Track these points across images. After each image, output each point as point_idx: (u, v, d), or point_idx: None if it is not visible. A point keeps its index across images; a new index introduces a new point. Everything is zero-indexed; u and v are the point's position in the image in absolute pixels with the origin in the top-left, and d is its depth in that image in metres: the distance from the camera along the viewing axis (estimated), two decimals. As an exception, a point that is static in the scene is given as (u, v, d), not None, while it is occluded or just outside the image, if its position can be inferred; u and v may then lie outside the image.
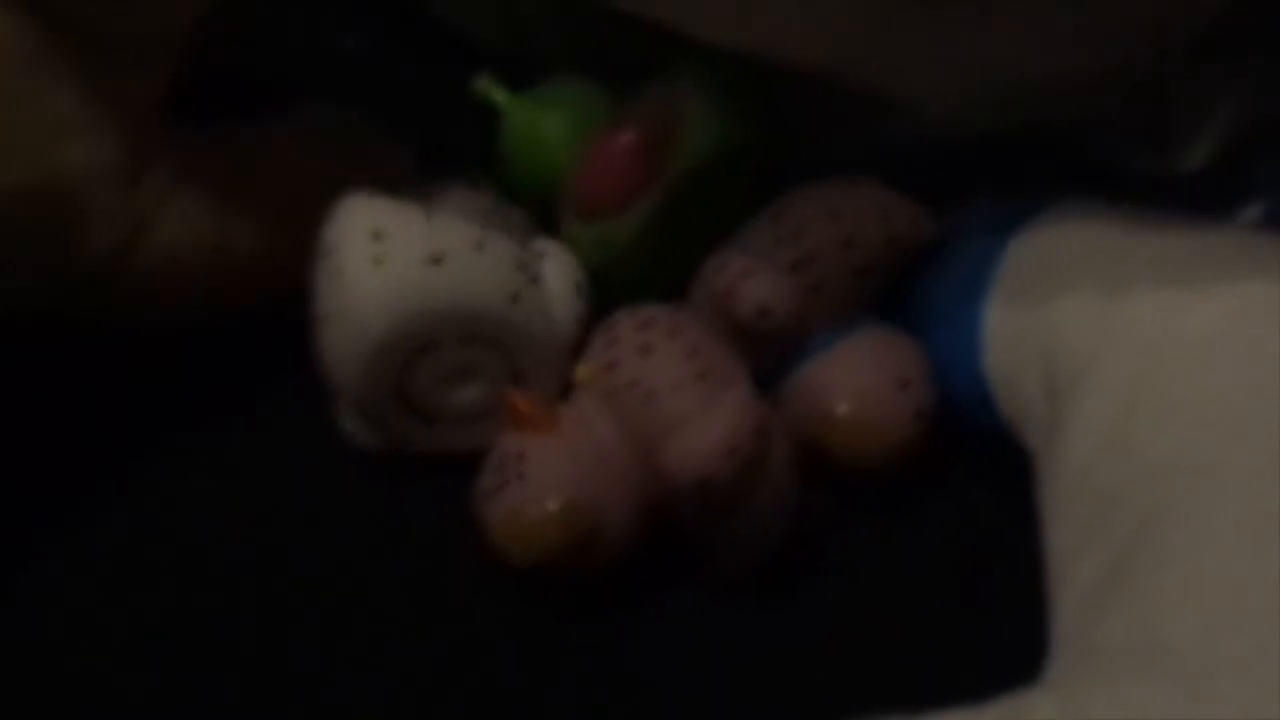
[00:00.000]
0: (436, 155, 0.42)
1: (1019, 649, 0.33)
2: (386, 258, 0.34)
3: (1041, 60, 0.38)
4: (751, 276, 0.36)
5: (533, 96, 0.42)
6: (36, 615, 0.36)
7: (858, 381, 0.37)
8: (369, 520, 0.37)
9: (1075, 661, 0.31)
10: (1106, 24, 0.38)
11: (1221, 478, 0.30)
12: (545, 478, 0.34)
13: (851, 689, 0.35)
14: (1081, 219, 0.37)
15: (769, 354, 0.37)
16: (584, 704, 0.35)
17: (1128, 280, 0.34)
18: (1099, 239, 0.36)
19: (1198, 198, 0.42)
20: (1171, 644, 0.28)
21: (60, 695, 0.35)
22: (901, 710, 0.31)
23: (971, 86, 0.39)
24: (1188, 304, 0.33)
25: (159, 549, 0.37)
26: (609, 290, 0.39)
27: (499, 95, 0.42)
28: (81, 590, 0.37)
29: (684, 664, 0.35)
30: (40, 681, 0.36)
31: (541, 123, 0.41)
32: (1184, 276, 0.34)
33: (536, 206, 0.41)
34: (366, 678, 0.35)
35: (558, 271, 0.37)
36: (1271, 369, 0.31)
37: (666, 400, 0.34)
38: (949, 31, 0.37)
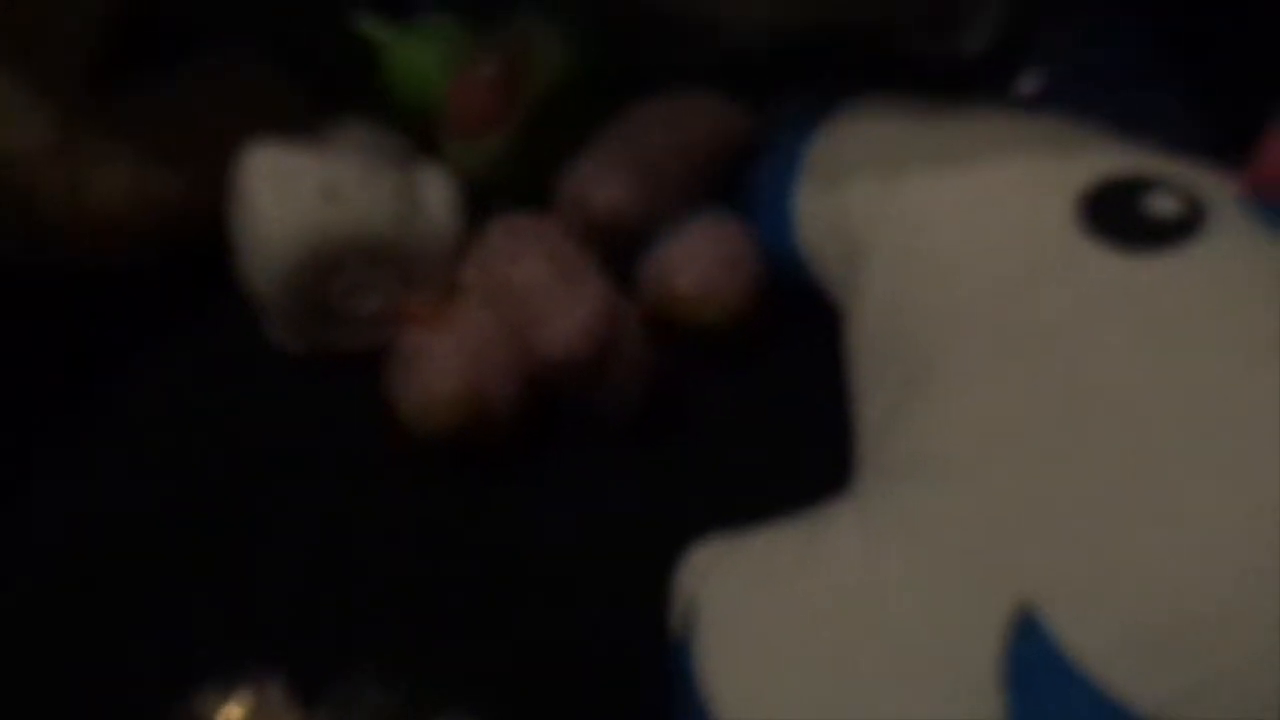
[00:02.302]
0: (325, 88, 0.47)
1: (840, 467, 0.40)
2: (289, 196, 0.40)
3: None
4: (600, 181, 0.43)
5: (409, 33, 0.47)
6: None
7: (696, 261, 0.44)
8: (298, 409, 0.44)
9: (870, 475, 0.38)
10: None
11: (973, 325, 0.37)
12: (441, 367, 0.41)
13: (710, 513, 0.41)
14: (871, 111, 0.44)
15: (623, 246, 0.44)
16: (485, 548, 0.42)
17: (902, 163, 0.41)
18: (882, 128, 0.43)
19: (984, 74, 0.49)
20: (932, 453, 0.36)
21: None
22: (751, 526, 0.39)
23: (787, 3, 0.45)
24: (947, 182, 0.40)
25: (119, 438, 0.44)
26: (484, 200, 0.45)
27: (381, 32, 0.48)
28: (46, 489, 0.43)
29: (567, 507, 0.43)
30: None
31: (418, 57, 0.47)
32: (945, 157, 0.41)
33: (416, 129, 0.47)
34: (290, 552, 0.42)
35: (436, 193, 0.43)
36: (1010, 236, 0.38)
37: (532, 297, 0.42)
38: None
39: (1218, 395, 0.33)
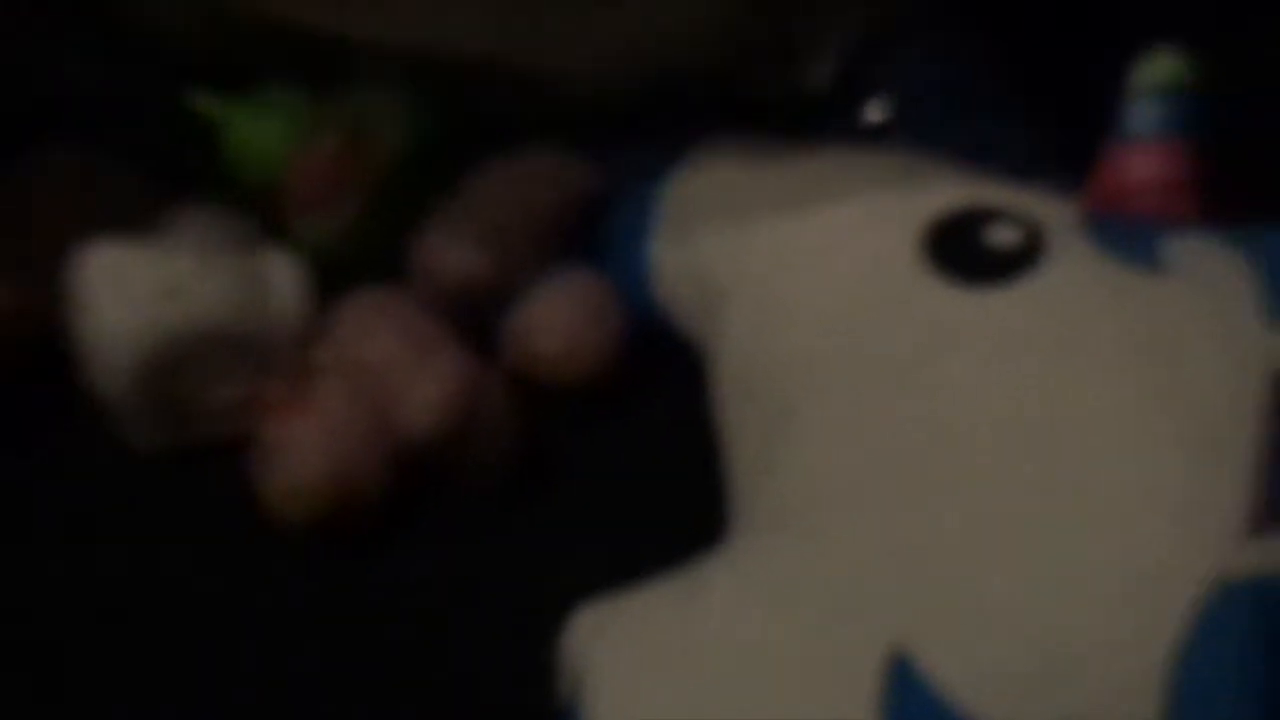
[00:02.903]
0: (161, 171, 0.46)
1: (716, 520, 0.40)
2: (128, 298, 0.40)
3: (672, 21, 0.45)
4: (449, 251, 0.43)
5: (246, 108, 0.46)
6: None
7: (556, 320, 0.43)
8: (161, 509, 0.43)
9: (743, 526, 0.39)
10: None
11: (828, 369, 0.38)
12: (304, 454, 0.40)
13: (591, 575, 0.40)
14: (718, 157, 0.44)
15: (480, 313, 0.44)
16: (361, 620, 0.41)
17: (752, 208, 0.42)
18: (731, 174, 0.44)
19: (827, 109, 0.49)
20: (798, 502, 0.36)
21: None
22: (627, 584, 0.39)
23: (620, 53, 0.45)
24: (795, 224, 0.41)
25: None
26: (336, 277, 0.45)
27: (215, 108, 0.47)
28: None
29: (446, 584, 0.42)
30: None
31: (256, 133, 0.46)
32: (793, 199, 0.41)
33: (261, 208, 0.46)
34: (153, 628, 0.41)
35: (283, 276, 0.43)
36: (858, 275, 0.39)
37: (389, 375, 0.41)
38: (592, 12, 0.44)
39: (1067, 426, 0.33)
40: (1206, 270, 0.36)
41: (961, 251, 0.37)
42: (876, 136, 0.48)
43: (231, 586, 0.42)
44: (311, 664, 0.41)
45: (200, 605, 0.42)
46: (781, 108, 0.48)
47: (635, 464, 0.44)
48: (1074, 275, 0.36)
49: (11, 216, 0.43)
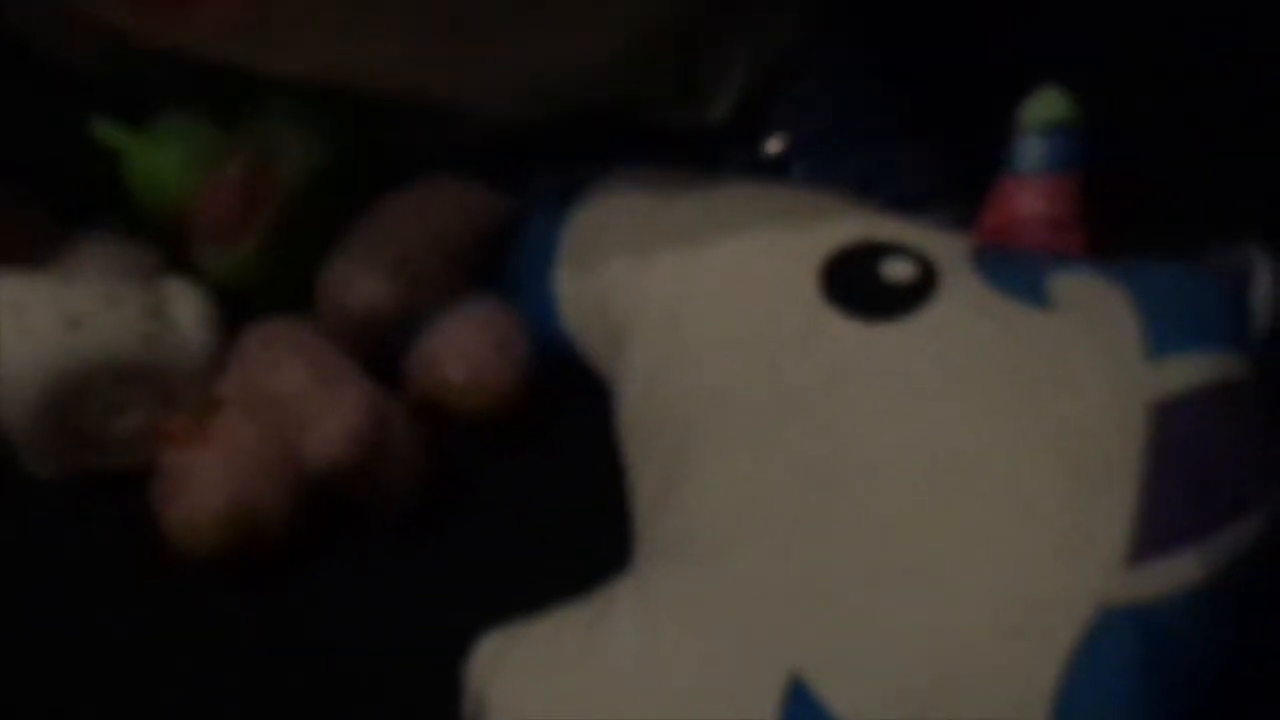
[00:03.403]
0: (65, 202, 0.46)
1: (621, 547, 0.41)
2: (30, 329, 0.39)
3: (575, 55, 0.45)
4: (356, 282, 0.43)
5: (149, 136, 0.46)
6: None
7: (463, 349, 0.44)
8: (61, 536, 0.43)
9: (645, 554, 0.39)
10: (633, 10, 0.45)
11: (728, 401, 0.38)
12: (205, 486, 0.40)
13: (497, 603, 0.41)
14: (621, 189, 0.45)
15: (387, 341, 0.44)
16: (273, 664, 0.41)
17: (654, 242, 0.42)
18: (633, 206, 0.44)
19: (728, 141, 0.50)
20: (699, 531, 0.37)
21: None
22: (532, 611, 0.39)
23: (524, 85, 0.46)
24: (696, 258, 0.41)
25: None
26: (241, 307, 0.45)
27: (117, 137, 0.46)
28: None
29: (353, 612, 0.42)
30: None
31: (159, 161, 0.46)
32: (694, 233, 0.42)
33: (164, 236, 0.46)
34: (62, 658, 0.41)
35: (187, 306, 0.43)
36: (757, 309, 0.39)
37: (293, 405, 0.41)
38: (497, 45, 0.44)
39: (954, 456, 0.34)
40: (1090, 304, 0.37)
41: (858, 285, 0.38)
42: (775, 168, 0.49)
43: (129, 616, 0.42)
44: (209, 694, 0.41)
45: (96, 634, 0.41)
46: (683, 138, 0.49)
47: (541, 492, 0.45)
48: (965, 309, 0.37)
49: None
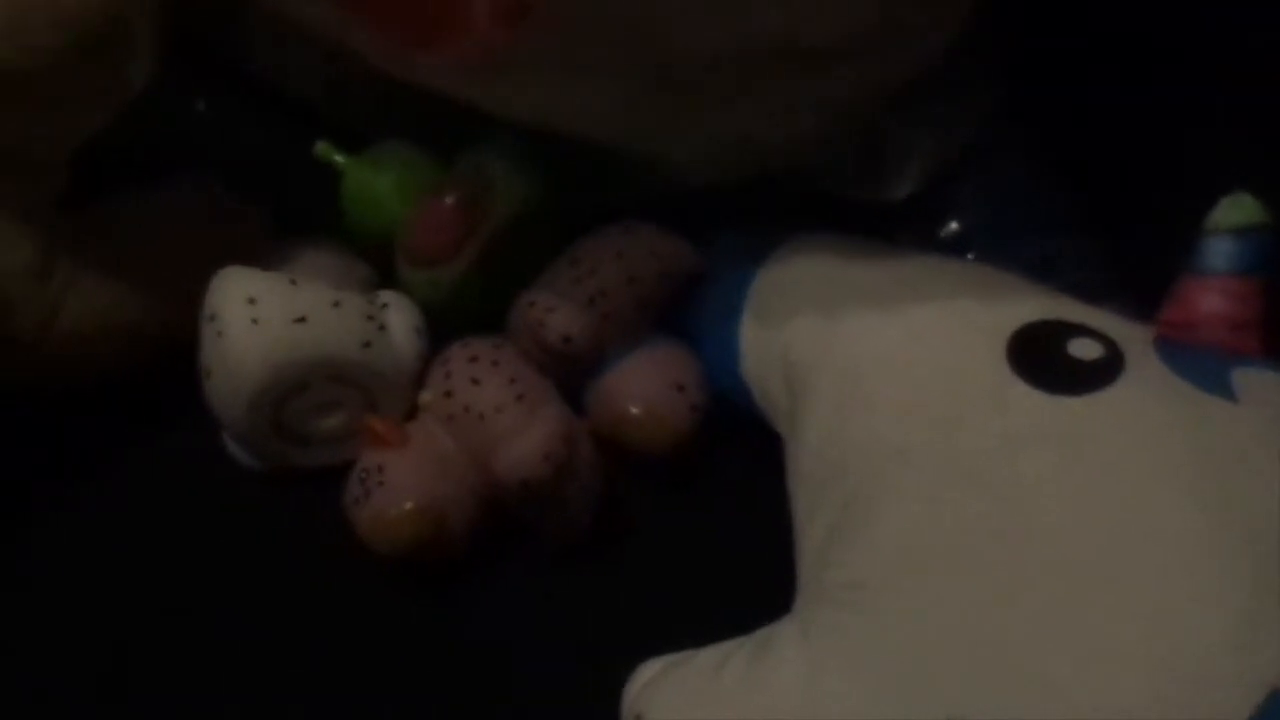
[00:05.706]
0: (286, 212, 0.49)
1: (781, 589, 0.42)
2: (260, 320, 0.42)
3: (778, 128, 0.48)
4: (555, 311, 0.45)
5: (367, 159, 0.49)
6: None
7: (644, 387, 0.46)
8: (256, 525, 0.45)
9: (810, 598, 0.40)
10: (838, 94, 0.47)
11: (906, 458, 0.40)
12: (400, 485, 0.43)
13: (657, 632, 0.42)
14: (810, 251, 0.47)
15: (574, 372, 0.46)
16: (437, 664, 0.43)
17: (839, 303, 0.44)
18: (820, 267, 0.46)
19: (908, 219, 0.52)
20: (867, 580, 0.38)
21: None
22: (696, 645, 0.41)
23: (721, 150, 0.48)
24: (882, 322, 0.43)
25: (79, 552, 0.45)
26: (443, 325, 0.47)
27: (338, 158, 0.49)
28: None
29: (519, 624, 0.44)
30: None
31: (375, 183, 0.48)
32: (880, 297, 0.43)
33: (374, 254, 0.49)
34: (252, 652, 0.43)
35: (400, 318, 0.45)
36: (942, 375, 0.41)
37: (493, 420, 0.43)
38: (702, 115, 0.46)
39: (1135, 530, 0.35)
40: (1272, 400, 0.38)
41: (1045, 360, 0.39)
42: (950, 250, 0.51)
43: (317, 610, 0.44)
44: (377, 686, 0.43)
45: (275, 619, 0.44)
46: (863, 212, 0.51)
47: (704, 531, 0.46)
48: (1153, 392, 0.38)
49: (149, 238, 0.45)
